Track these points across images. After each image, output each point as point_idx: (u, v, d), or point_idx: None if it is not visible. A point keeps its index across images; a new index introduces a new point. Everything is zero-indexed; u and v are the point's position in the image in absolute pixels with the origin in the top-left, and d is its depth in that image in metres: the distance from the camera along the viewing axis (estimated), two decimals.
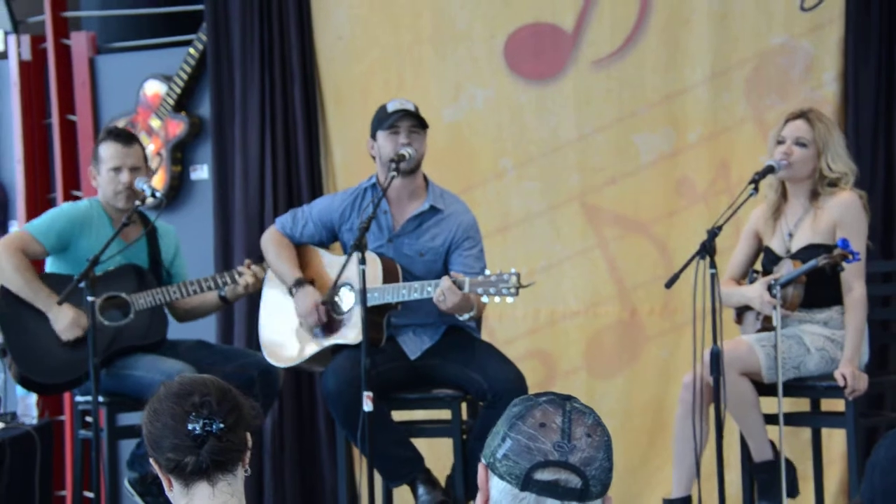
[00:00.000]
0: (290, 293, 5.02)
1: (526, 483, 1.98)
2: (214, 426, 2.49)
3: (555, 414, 2.01)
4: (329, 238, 5.10)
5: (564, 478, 1.98)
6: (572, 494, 1.98)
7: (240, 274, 5.16)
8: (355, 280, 4.73)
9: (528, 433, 2.00)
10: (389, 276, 4.88)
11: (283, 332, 5.09)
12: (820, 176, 4.76)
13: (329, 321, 4.97)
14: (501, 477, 2.00)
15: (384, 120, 4.92)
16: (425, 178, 5.04)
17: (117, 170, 5.11)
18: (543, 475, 1.98)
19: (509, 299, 4.57)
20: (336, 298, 4.96)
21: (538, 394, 2.05)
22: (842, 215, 4.72)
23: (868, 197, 4.85)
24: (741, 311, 4.94)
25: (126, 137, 5.19)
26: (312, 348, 5.00)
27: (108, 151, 5.13)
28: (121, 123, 6.23)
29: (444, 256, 4.97)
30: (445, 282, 4.64)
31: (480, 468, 2.05)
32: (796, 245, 4.78)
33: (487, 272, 4.65)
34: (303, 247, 5.13)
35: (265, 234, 5.19)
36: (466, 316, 4.76)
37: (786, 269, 4.73)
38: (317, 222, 5.07)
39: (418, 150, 4.92)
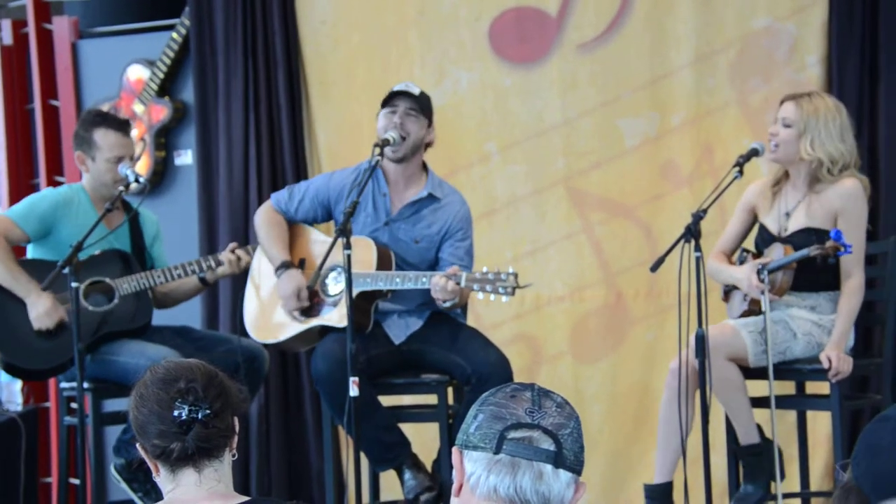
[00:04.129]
0: (276, 274, 5.01)
1: (500, 444, 2.01)
2: (200, 413, 2.48)
3: (523, 390, 2.06)
4: (324, 216, 5.08)
5: (537, 437, 2.01)
6: (546, 455, 2.01)
7: (219, 263, 5.13)
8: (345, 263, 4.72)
9: (500, 402, 2.04)
10: (383, 264, 4.87)
11: (269, 310, 5.08)
12: (816, 161, 4.72)
13: (317, 302, 4.97)
14: (475, 447, 2.03)
15: (386, 99, 4.92)
16: (425, 166, 5.03)
17: (120, 160, 5.07)
18: (517, 434, 2.01)
19: (504, 299, 4.59)
20: (327, 280, 4.95)
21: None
22: (844, 204, 4.69)
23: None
24: (728, 290, 4.94)
25: (126, 126, 5.14)
26: (298, 327, 5.00)
27: (109, 140, 5.06)
28: (104, 108, 6.20)
29: (438, 245, 4.97)
30: (439, 278, 4.64)
31: (454, 454, 2.06)
32: (792, 226, 4.77)
33: (485, 269, 4.65)
34: (294, 224, 5.11)
35: (259, 210, 5.16)
36: (449, 304, 4.75)
37: (776, 254, 4.72)
38: (312, 199, 5.05)
39: (411, 133, 4.90)
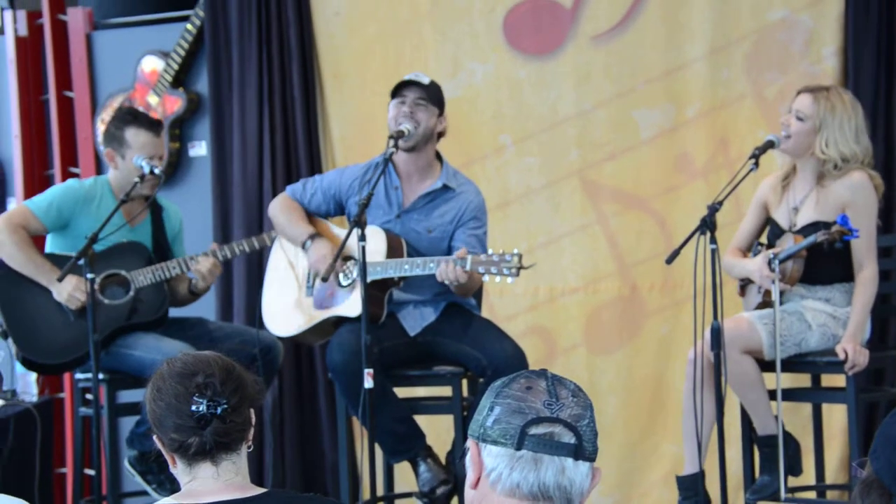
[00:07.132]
0: (304, 248, 5.00)
1: (521, 440, 2.01)
2: (218, 408, 2.48)
3: (538, 380, 2.06)
4: (336, 210, 5.08)
5: (559, 431, 2.02)
6: (567, 449, 2.01)
7: (188, 268, 5.11)
8: (358, 254, 4.72)
9: (517, 395, 2.04)
10: (394, 252, 4.87)
11: (286, 303, 5.08)
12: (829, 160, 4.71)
13: (331, 292, 4.97)
14: (495, 442, 2.03)
15: (395, 89, 4.91)
16: (439, 157, 5.02)
17: (149, 160, 5.06)
18: (538, 430, 2.01)
19: (510, 280, 4.58)
20: (341, 271, 4.95)
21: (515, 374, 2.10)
22: (852, 196, 4.68)
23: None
24: (744, 284, 4.94)
25: (157, 126, 5.14)
26: (313, 319, 5.00)
27: (140, 140, 5.07)
28: (119, 100, 6.21)
29: (451, 233, 4.96)
30: (446, 262, 4.64)
31: (471, 446, 2.06)
32: (801, 221, 4.77)
33: (490, 251, 4.65)
34: (312, 219, 5.12)
35: (274, 200, 5.17)
36: (455, 284, 4.70)
37: (787, 244, 4.72)
38: (325, 192, 5.06)
39: (422, 123, 4.89)
